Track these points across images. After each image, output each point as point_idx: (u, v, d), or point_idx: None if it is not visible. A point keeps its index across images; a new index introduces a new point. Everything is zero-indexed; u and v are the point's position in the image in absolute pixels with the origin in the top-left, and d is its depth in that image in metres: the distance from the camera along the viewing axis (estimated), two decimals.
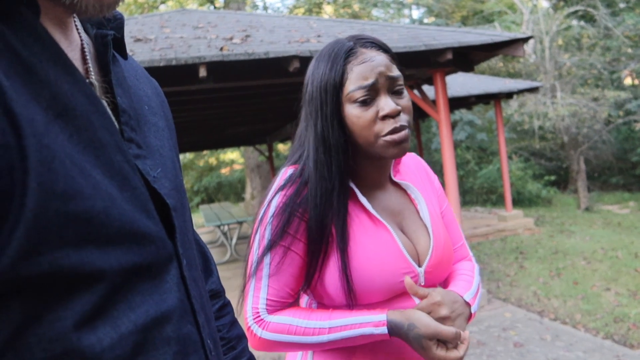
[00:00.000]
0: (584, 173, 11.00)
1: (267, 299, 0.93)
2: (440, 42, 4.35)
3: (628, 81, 14.77)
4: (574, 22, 13.99)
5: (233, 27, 5.02)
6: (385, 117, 0.91)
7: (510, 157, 12.63)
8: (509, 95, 8.73)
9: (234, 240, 7.70)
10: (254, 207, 12.66)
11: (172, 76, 3.95)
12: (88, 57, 0.52)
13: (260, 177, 13.00)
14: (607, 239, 6.82)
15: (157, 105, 0.64)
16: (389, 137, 0.91)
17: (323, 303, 0.98)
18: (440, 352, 0.87)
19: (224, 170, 19.95)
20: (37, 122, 0.38)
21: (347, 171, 0.95)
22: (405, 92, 0.96)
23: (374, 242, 0.94)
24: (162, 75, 3.67)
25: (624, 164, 13.43)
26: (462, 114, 12.36)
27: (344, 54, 0.93)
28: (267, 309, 0.94)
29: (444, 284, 1.07)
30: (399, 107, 0.91)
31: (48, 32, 0.44)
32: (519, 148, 13.70)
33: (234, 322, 0.85)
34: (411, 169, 1.11)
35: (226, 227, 8.06)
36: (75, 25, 0.52)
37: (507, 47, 4.67)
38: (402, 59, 0.93)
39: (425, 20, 18.10)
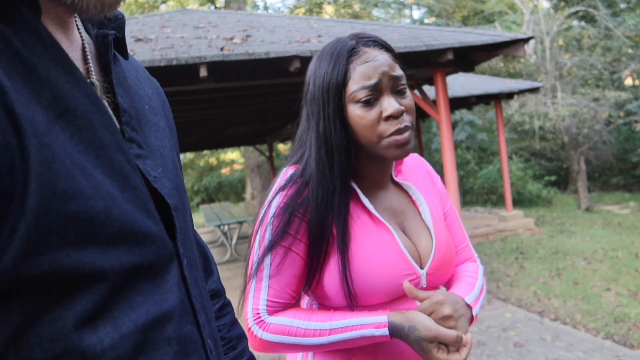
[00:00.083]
0: (584, 173, 11.00)
1: (267, 300, 0.93)
2: (440, 42, 4.35)
3: (629, 82, 14.77)
4: (575, 23, 13.98)
5: (234, 27, 5.02)
6: (388, 118, 0.90)
7: (510, 158, 12.62)
8: (509, 95, 8.73)
9: (234, 240, 7.70)
10: (254, 207, 12.66)
11: (173, 76, 3.95)
12: (89, 57, 0.52)
13: (260, 177, 13.00)
14: (607, 239, 6.81)
15: (157, 105, 0.64)
16: (392, 139, 0.90)
17: (324, 304, 0.97)
18: (441, 355, 0.85)
19: (225, 170, 19.95)
20: (38, 122, 0.38)
21: (349, 171, 0.94)
22: (408, 92, 0.95)
23: (375, 243, 0.93)
24: (162, 75, 3.67)
25: (625, 164, 13.42)
26: (463, 114, 12.36)
27: (346, 53, 0.92)
28: (267, 310, 0.93)
29: (447, 286, 1.06)
30: (403, 108, 0.90)
31: (49, 32, 0.44)
32: (519, 148, 13.69)
33: (235, 322, 0.84)
34: (413, 169, 1.10)
35: (226, 227, 8.07)
36: (76, 25, 0.52)
37: (507, 47, 4.67)
38: (403, 59, 0.94)
39: (426, 21, 18.09)
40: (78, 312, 0.39)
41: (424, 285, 0.96)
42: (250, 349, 0.89)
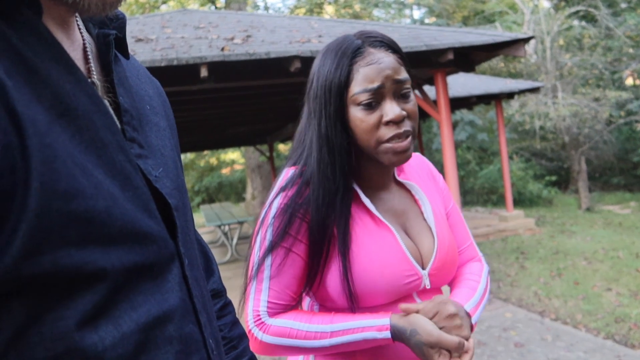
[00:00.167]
0: (585, 173, 10.99)
1: (268, 302, 0.92)
2: (441, 42, 4.35)
3: (629, 81, 14.76)
4: (575, 22, 13.97)
5: (234, 27, 5.02)
6: (389, 123, 0.88)
7: (511, 158, 12.62)
8: (510, 95, 8.72)
9: (235, 240, 7.70)
10: (254, 207, 12.66)
11: (174, 76, 3.95)
12: (90, 57, 0.52)
13: (260, 177, 13.00)
14: (608, 239, 6.81)
15: (158, 105, 0.64)
16: (390, 145, 0.89)
17: (325, 305, 0.96)
18: None
19: (225, 170, 19.96)
20: (40, 122, 0.38)
21: (350, 172, 0.93)
22: (412, 96, 0.93)
23: (376, 244, 0.92)
24: (163, 75, 3.67)
25: (625, 164, 13.41)
26: (463, 114, 12.36)
27: (351, 53, 0.90)
28: (268, 312, 0.92)
29: (450, 286, 1.05)
30: (404, 113, 0.89)
31: (50, 31, 0.44)
32: (519, 148, 13.69)
33: (236, 322, 0.84)
34: (415, 168, 1.09)
35: (227, 227, 8.07)
36: (77, 25, 0.52)
37: (508, 47, 4.67)
38: None
39: (427, 21, 18.09)
40: (79, 312, 0.39)
41: (427, 286, 0.95)
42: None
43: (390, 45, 0.92)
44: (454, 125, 12.55)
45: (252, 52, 3.83)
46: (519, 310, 4.32)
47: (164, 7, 16.22)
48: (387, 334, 0.86)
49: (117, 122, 0.50)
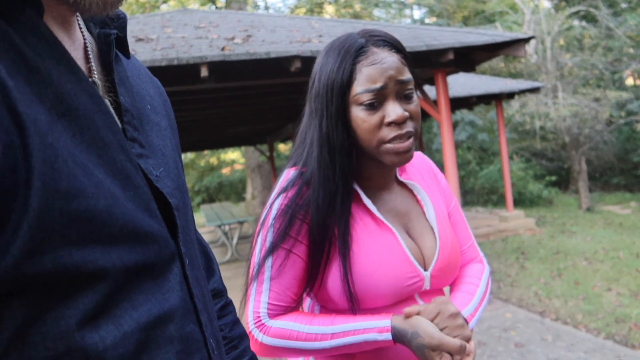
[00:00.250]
0: (585, 173, 10.99)
1: (268, 303, 0.91)
2: (441, 42, 4.35)
3: (630, 81, 14.76)
4: (576, 23, 13.97)
5: (234, 27, 5.02)
6: (391, 124, 0.87)
7: (511, 158, 12.62)
8: (510, 95, 8.72)
9: (235, 240, 7.70)
10: (254, 207, 12.67)
11: (174, 76, 3.95)
12: (91, 56, 0.52)
13: (261, 177, 13.00)
14: (608, 240, 6.81)
15: (159, 104, 0.64)
16: (391, 145, 0.88)
17: (326, 307, 0.96)
18: None
19: (225, 170, 19.97)
20: (41, 121, 0.38)
21: (351, 173, 0.92)
22: (415, 97, 0.92)
23: (378, 245, 0.92)
24: (163, 75, 3.67)
25: (626, 164, 13.41)
26: (463, 114, 12.36)
27: (354, 52, 0.88)
28: (268, 313, 0.91)
29: (452, 287, 1.04)
30: (406, 114, 0.88)
31: (51, 31, 0.44)
32: (520, 148, 13.68)
33: (236, 322, 0.84)
34: (417, 168, 1.08)
35: (227, 227, 8.07)
36: (78, 24, 0.52)
37: (508, 47, 4.67)
38: None
39: (427, 21, 18.09)
40: (80, 311, 0.39)
41: (428, 288, 0.95)
42: None
43: (394, 45, 0.91)
44: (454, 126, 12.55)
45: (252, 52, 3.83)
46: (519, 311, 4.32)
47: (164, 7, 16.22)
48: (388, 336, 0.86)
49: (118, 122, 0.50)
